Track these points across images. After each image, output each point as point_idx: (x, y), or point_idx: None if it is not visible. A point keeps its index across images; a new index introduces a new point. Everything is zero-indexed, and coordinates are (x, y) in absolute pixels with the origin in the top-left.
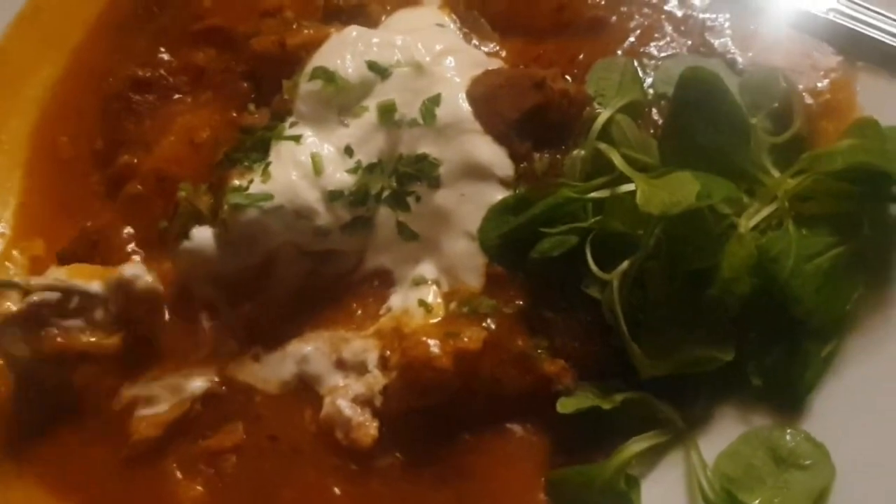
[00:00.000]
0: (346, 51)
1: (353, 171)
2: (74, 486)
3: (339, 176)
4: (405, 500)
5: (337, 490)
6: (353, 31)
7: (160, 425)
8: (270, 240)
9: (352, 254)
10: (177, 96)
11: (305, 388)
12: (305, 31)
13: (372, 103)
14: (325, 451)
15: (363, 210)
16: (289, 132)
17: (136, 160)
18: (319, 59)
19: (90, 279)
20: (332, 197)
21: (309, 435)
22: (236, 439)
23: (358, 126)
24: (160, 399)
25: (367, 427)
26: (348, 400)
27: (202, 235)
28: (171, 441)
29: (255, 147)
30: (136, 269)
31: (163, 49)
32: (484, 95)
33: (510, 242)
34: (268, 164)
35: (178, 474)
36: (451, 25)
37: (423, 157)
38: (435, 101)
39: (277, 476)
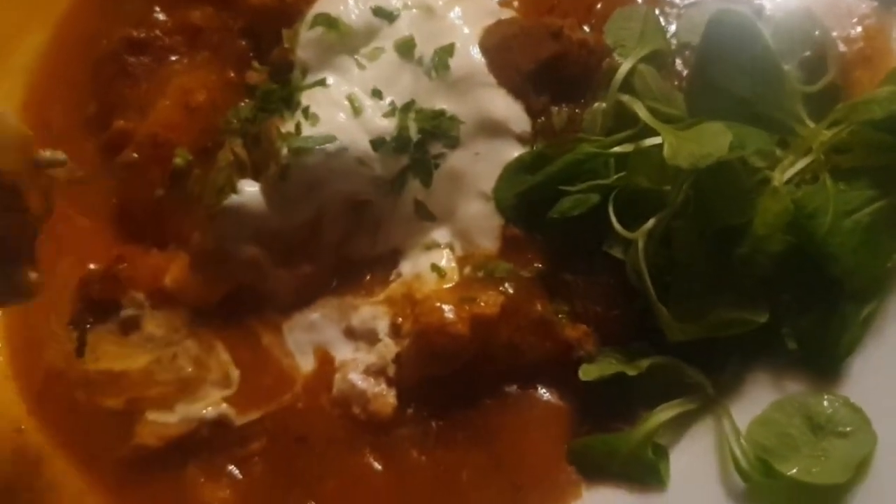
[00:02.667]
0: None
1: (389, 113)
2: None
3: (378, 121)
4: (443, 464)
5: (378, 466)
6: None
7: (162, 438)
8: (329, 189)
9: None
10: (173, 57)
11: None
12: None
13: (385, 44)
14: (356, 432)
15: (406, 158)
16: (309, 79)
17: (130, 125)
18: (321, 6)
19: None
20: (377, 144)
21: (339, 421)
22: (262, 446)
23: (378, 68)
24: (174, 409)
25: (385, 397)
26: (360, 373)
27: (250, 189)
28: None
29: (281, 98)
30: None
31: (157, 8)
32: (497, 46)
33: (527, 202)
34: (307, 108)
35: (202, 479)
36: None
37: (441, 114)
38: (448, 50)
39: (315, 471)
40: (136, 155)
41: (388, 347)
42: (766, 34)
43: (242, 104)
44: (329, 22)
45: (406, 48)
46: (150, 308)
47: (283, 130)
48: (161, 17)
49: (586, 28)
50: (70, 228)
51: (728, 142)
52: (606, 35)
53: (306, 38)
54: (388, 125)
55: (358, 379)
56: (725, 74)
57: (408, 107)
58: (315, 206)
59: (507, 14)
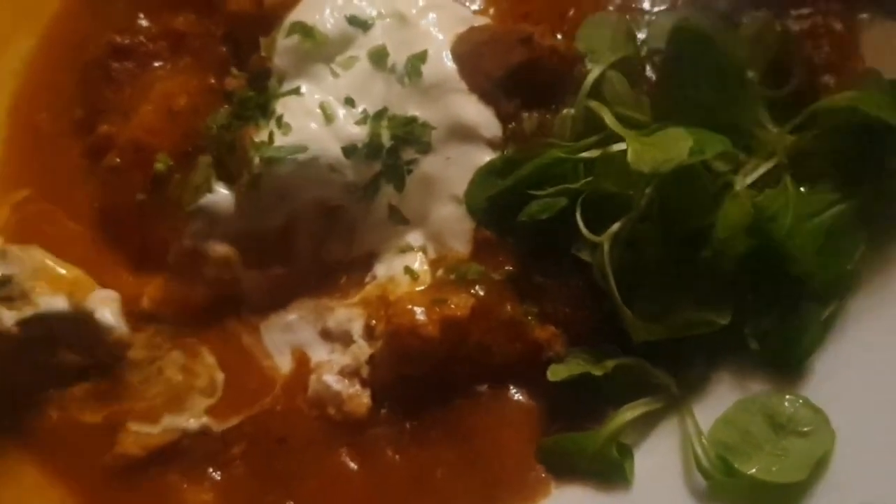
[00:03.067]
0: (324, 5)
1: (361, 121)
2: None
3: (350, 129)
4: (418, 463)
5: (354, 465)
6: None
7: (144, 447)
8: (301, 197)
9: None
10: (157, 63)
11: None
12: None
13: (359, 53)
14: (333, 432)
15: (378, 165)
16: (286, 87)
17: (114, 130)
18: (297, 14)
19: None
20: (348, 152)
21: (316, 422)
22: (242, 449)
23: (352, 76)
24: (157, 420)
25: (360, 397)
26: (335, 374)
27: (224, 191)
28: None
29: (257, 106)
30: (109, 316)
31: (141, 15)
32: (469, 53)
33: (498, 206)
34: (280, 117)
35: (184, 484)
36: None
37: (413, 120)
38: (421, 57)
39: (295, 472)
40: (118, 160)
41: (362, 349)
42: (728, 41)
43: (221, 110)
44: (305, 31)
45: (379, 57)
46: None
47: (257, 139)
48: (145, 23)
49: (559, 35)
50: (54, 230)
51: (688, 147)
52: (578, 42)
53: (283, 46)
54: (359, 132)
55: (332, 380)
56: (689, 81)
57: (380, 114)
58: (286, 212)
59: (480, 21)
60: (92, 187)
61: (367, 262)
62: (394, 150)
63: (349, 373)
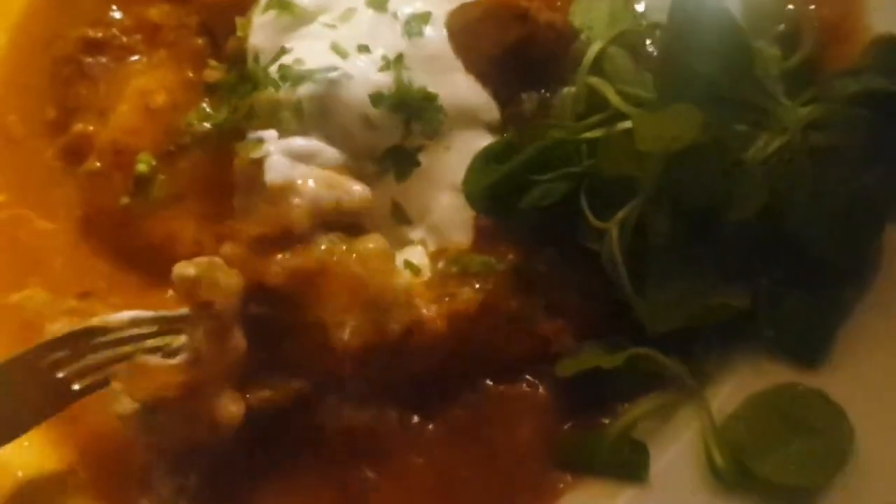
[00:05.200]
0: None
1: (384, 67)
2: None
3: (373, 75)
4: (441, 463)
5: (370, 474)
6: None
7: None
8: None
9: None
10: (132, 57)
11: None
12: None
13: (355, 3)
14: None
15: (405, 117)
16: (264, 61)
17: (90, 128)
18: None
19: None
20: (375, 100)
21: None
22: None
23: (354, 26)
24: None
25: (386, 417)
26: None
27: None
28: None
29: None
30: None
31: (114, 7)
32: (462, 31)
33: (498, 193)
34: (283, 66)
35: None
36: None
37: (432, 98)
38: (424, 18)
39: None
40: (98, 164)
41: None
42: (733, 11)
43: (202, 104)
44: (281, 4)
45: (380, 2)
46: None
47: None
48: (118, 15)
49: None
50: (30, 237)
51: (698, 123)
52: (573, 17)
53: (259, 22)
54: (385, 79)
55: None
56: (693, 56)
57: (399, 59)
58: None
59: None
60: (69, 191)
61: None
62: (406, 123)
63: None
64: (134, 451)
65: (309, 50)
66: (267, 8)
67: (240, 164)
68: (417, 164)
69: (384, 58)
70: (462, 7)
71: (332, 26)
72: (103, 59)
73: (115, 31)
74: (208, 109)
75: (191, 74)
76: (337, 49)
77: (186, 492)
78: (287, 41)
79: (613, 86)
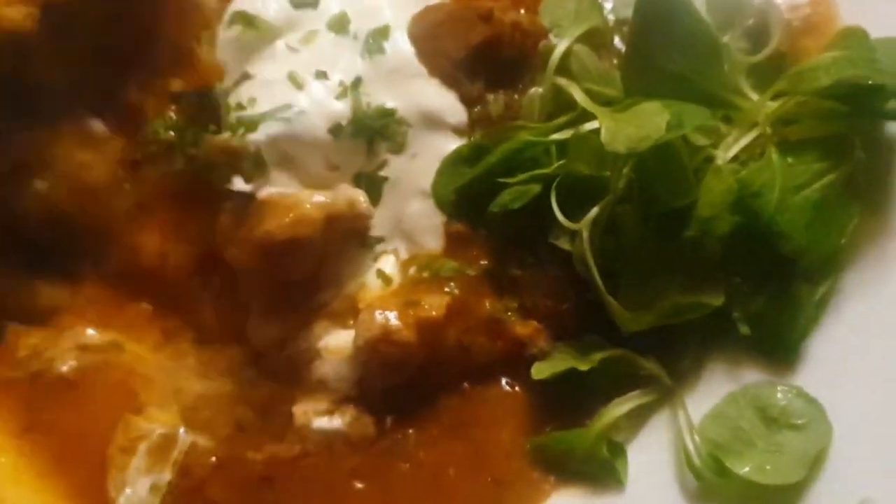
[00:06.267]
0: None
1: (342, 94)
2: None
3: (331, 104)
4: (428, 466)
5: (360, 485)
6: None
7: None
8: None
9: None
10: None
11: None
12: None
13: (318, 26)
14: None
15: (363, 145)
16: (228, 82)
17: None
18: (237, 3)
19: None
20: (335, 131)
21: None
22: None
23: (316, 49)
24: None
25: (362, 422)
26: (323, 415)
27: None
28: None
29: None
30: None
31: None
32: (426, 34)
33: (468, 197)
34: (239, 104)
35: None
36: None
37: (391, 113)
38: (383, 33)
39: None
40: None
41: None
42: (700, 7)
43: (167, 113)
44: (247, 20)
45: (341, 25)
46: None
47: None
48: None
49: (521, 10)
50: None
51: (665, 122)
52: (542, 15)
53: (225, 38)
54: (343, 108)
55: (325, 423)
56: (660, 51)
57: (357, 84)
58: None
59: None
60: None
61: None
62: (369, 143)
63: (339, 400)
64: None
65: (268, 79)
66: (232, 22)
67: (225, 221)
68: (384, 180)
69: (341, 83)
70: (425, 11)
71: (295, 50)
72: None
73: None
74: (173, 117)
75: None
76: (294, 80)
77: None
78: (251, 62)
79: (580, 85)
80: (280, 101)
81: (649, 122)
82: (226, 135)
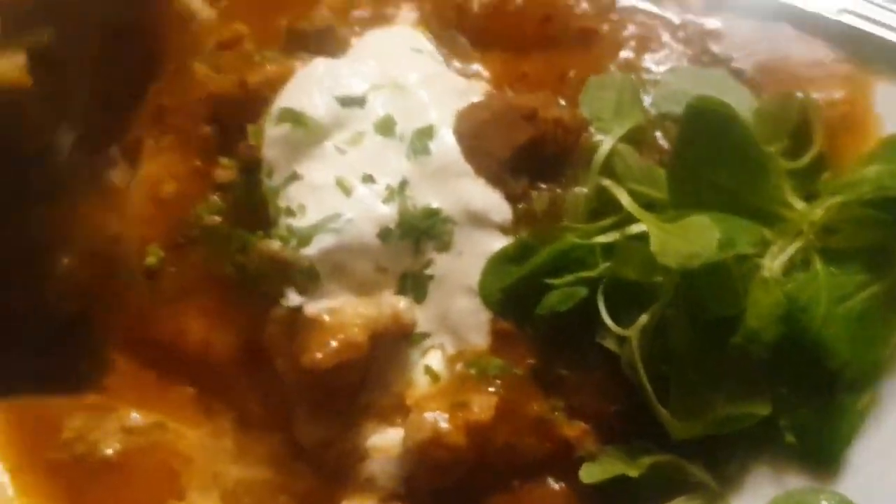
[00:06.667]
0: (313, 87)
1: (388, 198)
2: None
3: (379, 208)
4: None
5: None
6: (320, 65)
7: None
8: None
9: None
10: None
11: None
12: (268, 67)
13: (363, 127)
14: None
15: (410, 248)
16: (277, 180)
17: None
18: (286, 98)
19: None
20: (384, 235)
21: None
22: None
23: (363, 151)
24: None
25: None
26: None
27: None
28: None
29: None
30: None
31: None
32: (471, 133)
33: (514, 295)
34: (288, 208)
35: None
36: (429, 47)
37: (435, 213)
38: (427, 133)
39: None
40: None
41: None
42: (745, 113)
43: (212, 199)
44: (295, 118)
45: (387, 127)
46: None
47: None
48: None
49: (561, 101)
50: None
51: (716, 240)
52: (582, 106)
53: (272, 136)
54: (390, 212)
55: None
56: (707, 163)
57: (403, 187)
58: None
59: (478, 89)
60: None
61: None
62: (416, 244)
63: (388, 498)
64: None
65: (317, 183)
66: (280, 120)
67: (274, 331)
68: (430, 278)
69: (388, 187)
70: (471, 109)
71: (343, 151)
72: None
73: None
74: (218, 201)
75: (198, 163)
76: (342, 186)
77: None
78: (299, 162)
79: (625, 185)
80: (329, 209)
81: (700, 237)
82: (275, 243)
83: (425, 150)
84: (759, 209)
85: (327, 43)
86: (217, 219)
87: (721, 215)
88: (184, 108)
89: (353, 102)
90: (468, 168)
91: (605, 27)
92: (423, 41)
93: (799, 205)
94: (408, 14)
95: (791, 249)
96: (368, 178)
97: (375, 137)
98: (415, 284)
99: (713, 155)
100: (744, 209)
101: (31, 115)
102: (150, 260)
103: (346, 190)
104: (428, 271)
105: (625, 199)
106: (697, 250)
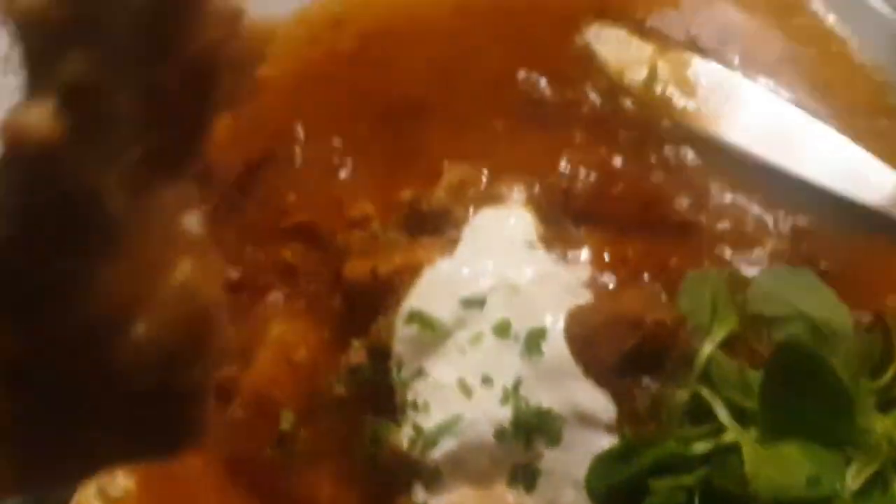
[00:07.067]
0: (438, 290)
1: (504, 400)
2: None
3: (495, 409)
4: None
5: None
6: (444, 266)
7: None
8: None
9: None
10: (270, 296)
11: None
12: (396, 259)
13: (481, 328)
14: None
15: (522, 445)
16: (405, 375)
17: (234, 370)
18: (414, 299)
19: None
20: (499, 435)
21: None
22: None
23: (482, 353)
24: None
25: None
26: None
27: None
28: None
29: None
30: None
31: (251, 246)
32: (583, 338)
33: (618, 492)
34: (414, 402)
35: None
36: (538, 235)
37: (547, 412)
38: (540, 334)
39: None
40: (240, 411)
41: None
42: (830, 358)
43: (343, 372)
44: (424, 321)
45: (503, 329)
46: None
47: (405, 442)
48: (255, 254)
49: (662, 294)
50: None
51: (805, 477)
52: (680, 301)
53: (403, 335)
54: (505, 413)
55: None
56: (796, 399)
57: (517, 386)
58: None
59: (584, 277)
60: (219, 429)
61: None
62: (527, 439)
63: None
64: None
65: (440, 382)
66: (410, 321)
67: None
68: (539, 472)
69: (504, 390)
70: (581, 313)
71: (464, 351)
72: (243, 297)
73: (253, 270)
74: (348, 376)
75: (328, 334)
76: (464, 387)
77: None
78: (425, 357)
79: (720, 394)
80: (452, 410)
81: (790, 471)
82: (404, 441)
83: (538, 351)
84: (844, 441)
85: (444, 224)
86: (346, 392)
87: (808, 446)
88: (318, 276)
89: (473, 304)
90: (577, 370)
91: (703, 219)
92: (532, 228)
93: (879, 425)
94: (518, 195)
95: (870, 469)
96: (487, 380)
97: (492, 338)
98: (525, 475)
99: (802, 392)
100: (831, 440)
101: (66, 157)
102: (285, 426)
103: (467, 391)
104: (537, 464)
105: (722, 414)
106: (788, 483)
